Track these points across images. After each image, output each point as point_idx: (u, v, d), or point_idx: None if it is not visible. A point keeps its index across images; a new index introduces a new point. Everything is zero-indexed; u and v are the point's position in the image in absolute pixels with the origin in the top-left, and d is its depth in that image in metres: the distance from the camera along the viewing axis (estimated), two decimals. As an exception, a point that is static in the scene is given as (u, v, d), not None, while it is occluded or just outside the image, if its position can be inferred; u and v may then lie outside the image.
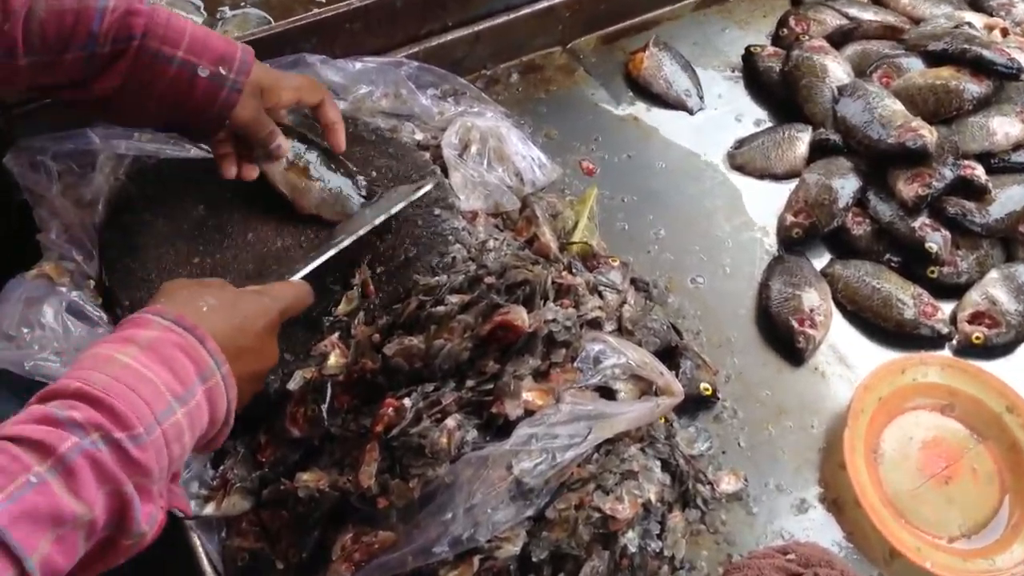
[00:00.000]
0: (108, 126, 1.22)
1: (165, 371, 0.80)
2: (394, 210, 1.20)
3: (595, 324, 1.20)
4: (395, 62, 1.44)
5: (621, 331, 1.28)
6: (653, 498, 1.10)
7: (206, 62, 1.04)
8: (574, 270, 1.27)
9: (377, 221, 1.18)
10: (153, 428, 0.76)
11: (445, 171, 1.36)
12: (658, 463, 1.14)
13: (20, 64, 0.99)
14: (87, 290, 1.16)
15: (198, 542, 1.05)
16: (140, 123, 1.16)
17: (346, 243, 1.15)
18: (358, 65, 1.40)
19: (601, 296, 1.29)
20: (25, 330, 1.06)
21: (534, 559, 1.02)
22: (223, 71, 1.05)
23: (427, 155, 1.37)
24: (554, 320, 1.09)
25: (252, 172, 1.17)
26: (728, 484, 1.22)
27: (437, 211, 1.27)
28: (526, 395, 1.05)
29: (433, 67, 1.47)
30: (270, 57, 1.33)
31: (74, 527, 0.69)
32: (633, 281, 1.37)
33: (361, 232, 1.17)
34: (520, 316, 1.06)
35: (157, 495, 0.78)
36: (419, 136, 1.43)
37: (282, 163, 1.19)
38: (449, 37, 1.57)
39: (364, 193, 1.24)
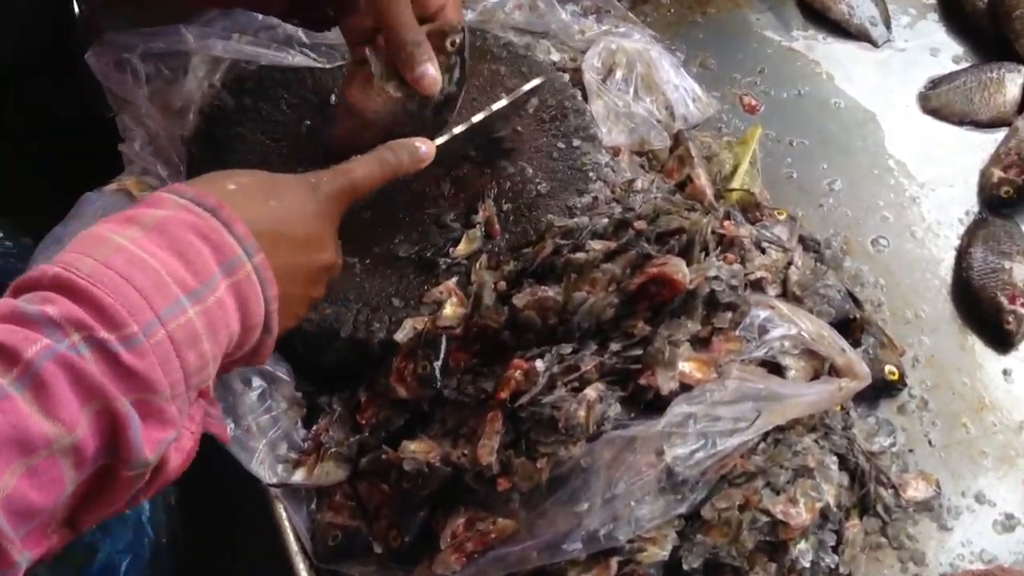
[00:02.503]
0: (204, 23, 1.09)
1: (174, 258, 0.63)
2: (496, 106, 1.02)
3: (758, 286, 1.04)
4: (535, -31, 1.26)
5: (787, 296, 1.10)
6: (832, 502, 0.94)
7: None
8: (735, 221, 1.09)
9: (475, 119, 1.00)
10: (153, 328, 0.60)
11: (585, 97, 1.20)
12: (835, 459, 0.98)
13: None
14: (171, 210, 1.02)
15: (284, 514, 0.92)
16: (257, 5, 1.03)
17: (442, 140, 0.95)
18: (490, -32, 1.23)
19: (764, 253, 1.11)
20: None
21: (685, 567, 0.87)
22: None
23: (565, 77, 1.20)
24: (717, 277, 0.93)
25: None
26: (916, 490, 1.04)
27: (576, 142, 1.11)
28: (682, 365, 0.89)
29: (575, -22, 1.30)
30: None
31: (51, 453, 0.55)
32: (801, 239, 1.18)
33: (457, 130, 0.98)
34: (680, 269, 0.90)
35: (173, 416, 0.62)
36: (556, 56, 1.26)
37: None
38: (595, -56, 1.38)
39: None
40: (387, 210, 1.02)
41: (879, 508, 1.01)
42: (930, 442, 1.08)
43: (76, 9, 1.17)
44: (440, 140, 0.93)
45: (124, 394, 0.58)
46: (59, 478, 0.56)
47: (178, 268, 0.63)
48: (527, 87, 1.05)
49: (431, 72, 0.89)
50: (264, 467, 0.91)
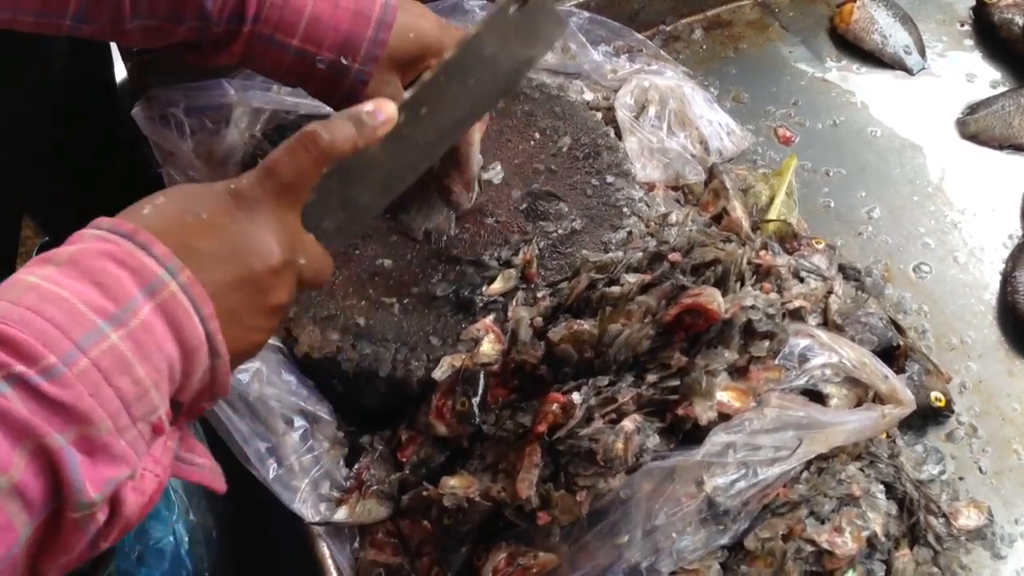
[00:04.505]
0: (246, 76, 1.13)
1: (89, 287, 0.60)
2: (471, 32, 0.85)
3: (797, 315, 1.03)
4: (564, 12, 1.30)
5: (827, 325, 1.10)
6: (879, 531, 0.92)
7: (325, 50, 0.90)
8: (772, 251, 1.08)
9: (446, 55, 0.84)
10: (73, 356, 0.57)
11: (618, 134, 1.21)
12: (882, 488, 0.96)
13: (127, 27, 0.87)
14: (215, 257, 1.04)
15: (327, 552, 0.92)
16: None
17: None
18: (523, 13, 1.24)
19: (802, 282, 1.10)
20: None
21: (729, 599, 0.85)
22: (344, 60, 0.90)
23: (598, 116, 1.21)
24: (753, 306, 0.92)
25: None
26: (968, 518, 1.01)
27: (610, 178, 1.13)
28: (720, 395, 0.89)
29: (606, 19, 1.32)
30: (427, 2, 1.19)
31: None
32: (841, 268, 1.18)
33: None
34: (714, 299, 0.89)
35: (122, 451, 0.59)
36: (589, 96, 1.28)
37: None
38: (626, -14, 1.41)
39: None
40: (424, 250, 1.04)
41: (930, 537, 0.98)
42: (980, 469, 1.06)
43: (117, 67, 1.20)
44: (407, 95, 0.82)
45: (57, 429, 0.55)
46: (8, 523, 0.54)
47: (94, 296, 0.60)
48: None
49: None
50: (307, 506, 0.92)
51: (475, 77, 0.87)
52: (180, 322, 0.63)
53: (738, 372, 0.91)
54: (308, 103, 1.15)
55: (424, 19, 0.95)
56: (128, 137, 1.13)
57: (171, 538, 0.94)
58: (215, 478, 0.70)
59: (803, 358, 0.95)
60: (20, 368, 0.55)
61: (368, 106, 0.73)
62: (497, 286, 1.01)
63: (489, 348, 0.96)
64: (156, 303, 0.62)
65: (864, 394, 0.96)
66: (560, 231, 1.06)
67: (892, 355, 1.09)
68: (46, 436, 0.54)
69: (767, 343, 0.92)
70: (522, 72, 0.98)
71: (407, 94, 0.82)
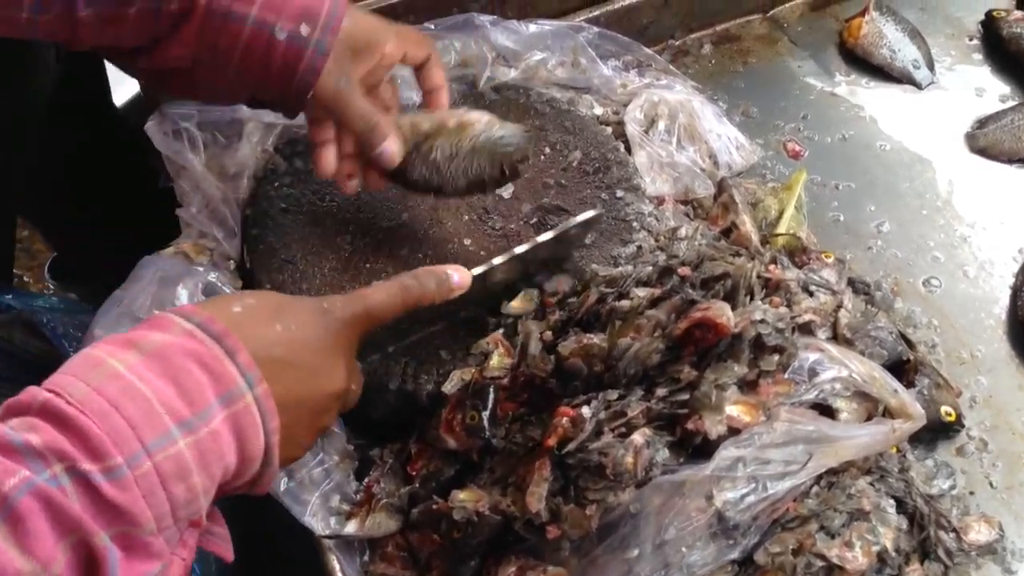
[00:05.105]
0: None
1: (169, 385, 0.60)
2: (542, 238, 0.98)
3: (806, 329, 1.02)
4: (573, 26, 1.29)
5: (837, 339, 1.09)
6: (889, 546, 0.92)
7: (285, 19, 0.86)
8: (781, 265, 1.08)
9: (542, 238, 0.98)
10: (139, 459, 0.57)
11: (628, 149, 1.21)
12: (892, 502, 0.96)
13: (80, 15, 0.85)
14: (226, 271, 1.05)
15: (337, 566, 0.92)
16: (222, 98, 1.00)
17: (500, 261, 0.94)
18: (532, 28, 1.25)
19: (812, 296, 1.10)
20: (156, 312, 0.94)
21: (740, 613, 0.85)
22: (304, 30, 0.86)
23: (608, 130, 1.22)
24: (763, 320, 0.92)
25: (352, 185, 0.98)
26: (979, 533, 1.00)
27: (620, 193, 1.13)
28: (730, 409, 0.88)
29: (616, 34, 1.32)
30: (434, 16, 1.21)
31: None
32: (851, 282, 1.18)
33: (497, 261, 0.95)
34: (724, 313, 0.89)
35: (159, 549, 0.59)
36: (598, 110, 1.28)
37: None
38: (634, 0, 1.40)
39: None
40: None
41: (940, 552, 0.97)
42: (991, 484, 1.05)
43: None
44: (477, 271, 0.90)
45: (104, 527, 0.55)
46: None
47: (172, 397, 0.60)
48: (577, 220, 1.00)
49: (390, 149, 0.93)
50: (317, 519, 0.92)
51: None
52: (246, 433, 0.64)
53: (748, 386, 0.90)
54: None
55: (373, 16, 0.95)
56: (127, 137, 1.13)
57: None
58: (226, 548, 0.71)
59: (813, 372, 0.94)
60: (86, 466, 0.55)
61: (450, 269, 0.84)
62: (517, 304, 1.01)
63: (499, 362, 0.95)
64: (229, 412, 0.62)
65: (874, 408, 0.95)
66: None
67: (902, 369, 1.08)
68: (94, 536, 0.54)
69: (777, 357, 0.92)
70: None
71: (477, 269, 0.90)
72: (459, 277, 0.84)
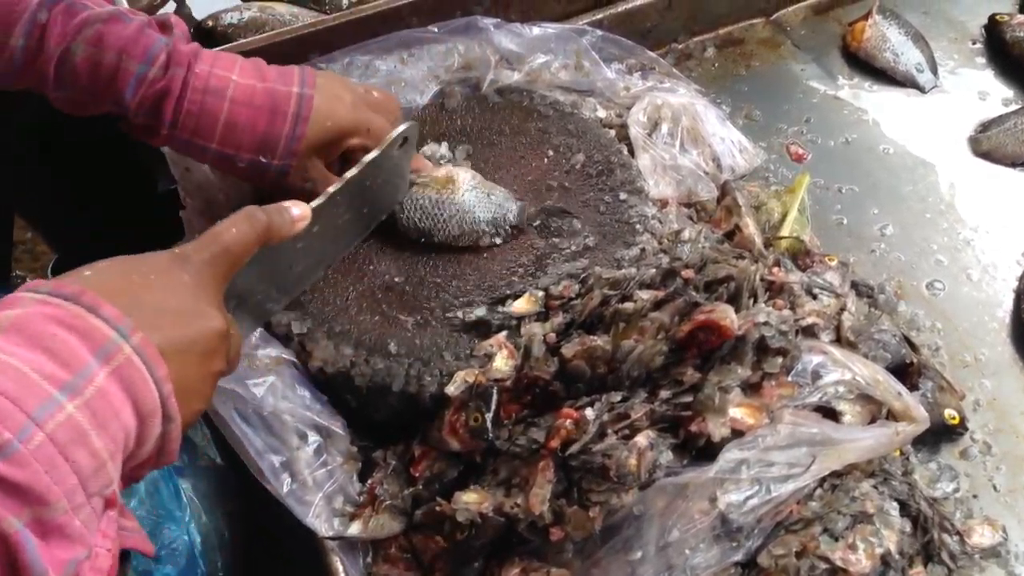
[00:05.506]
0: None
1: (37, 353, 0.56)
2: (368, 158, 0.96)
3: (810, 332, 1.02)
4: (577, 29, 1.29)
5: (841, 342, 1.09)
6: (892, 548, 0.92)
7: (244, 152, 0.94)
8: (784, 268, 1.08)
9: (368, 158, 0.96)
10: (28, 431, 0.53)
11: (631, 152, 1.21)
12: (896, 505, 0.96)
13: (52, 96, 0.92)
14: (229, 273, 1.04)
15: (340, 567, 0.92)
16: None
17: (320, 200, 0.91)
18: (536, 31, 1.25)
19: (815, 299, 1.10)
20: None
21: (743, 616, 0.85)
22: (263, 159, 0.94)
23: (611, 133, 1.22)
24: (766, 323, 0.92)
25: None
26: (982, 536, 1.00)
27: (623, 195, 1.13)
28: (733, 411, 0.89)
29: (619, 37, 1.32)
30: (438, 19, 1.21)
31: None
32: (854, 284, 1.18)
33: (331, 189, 0.92)
34: (727, 315, 0.90)
35: (77, 531, 0.55)
36: (602, 113, 1.28)
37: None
38: (638, 3, 1.41)
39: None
40: (436, 264, 1.04)
41: (944, 555, 0.97)
42: (995, 487, 1.05)
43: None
44: (316, 203, 0.88)
45: (12, 512, 0.51)
46: None
47: (45, 363, 0.56)
48: (395, 134, 0.98)
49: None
50: (320, 520, 0.91)
51: (363, 198, 0.99)
52: (136, 387, 0.60)
53: (751, 388, 0.91)
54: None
55: (340, 102, 0.98)
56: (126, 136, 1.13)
57: (185, 538, 0.94)
58: (144, 542, 0.68)
59: (816, 375, 0.95)
60: None
61: (289, 204, 0.82)
62: (521, 305, 1.01)
63: (502, 364, 0.95)
64: (111, 368, 0.59)
65: (877, 411, 0.96)
66: (573, 248, 1.06)
67: (905, 372, 1.09)
68: (2, 521, 0.51)
69: (780, 360, 0.92)
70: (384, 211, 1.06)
71: (317, 201, 0.89)
72: (299, 210, 0.82)
